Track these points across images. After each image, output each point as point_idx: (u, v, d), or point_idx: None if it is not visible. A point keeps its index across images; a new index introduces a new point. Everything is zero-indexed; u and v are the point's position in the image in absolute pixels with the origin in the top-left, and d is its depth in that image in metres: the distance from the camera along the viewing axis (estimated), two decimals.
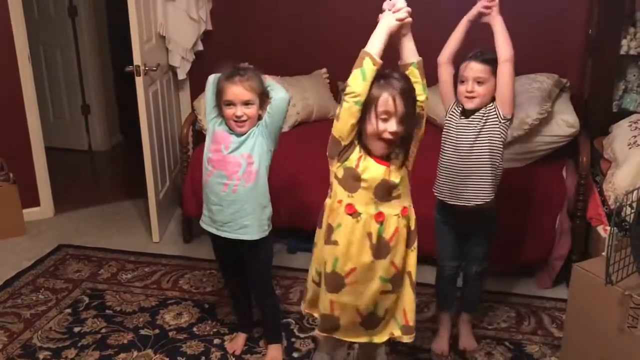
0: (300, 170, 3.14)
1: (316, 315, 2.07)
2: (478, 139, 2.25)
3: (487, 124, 2.25)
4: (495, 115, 2.24)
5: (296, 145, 3.24)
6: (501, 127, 2.25)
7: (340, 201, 1.88)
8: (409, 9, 1.82)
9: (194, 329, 2.71)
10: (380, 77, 1.80)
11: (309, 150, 3.04)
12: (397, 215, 1.88)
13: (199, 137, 3.57)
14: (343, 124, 1.81)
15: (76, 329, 2.70)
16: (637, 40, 3.18)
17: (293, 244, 3.36)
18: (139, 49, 3.18)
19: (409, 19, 1.82)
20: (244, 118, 2.19)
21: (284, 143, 3.50)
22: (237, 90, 2.17)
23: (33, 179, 3.78)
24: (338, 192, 1.90)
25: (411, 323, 2.01)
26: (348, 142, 1.84)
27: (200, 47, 3.93)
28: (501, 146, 2.27)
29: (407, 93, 1.81)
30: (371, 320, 1.99)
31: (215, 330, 2.71)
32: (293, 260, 3.27)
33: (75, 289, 3.03)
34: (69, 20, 4.77)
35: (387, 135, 1.81)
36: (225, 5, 3.95)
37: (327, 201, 1.94)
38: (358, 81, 1.77)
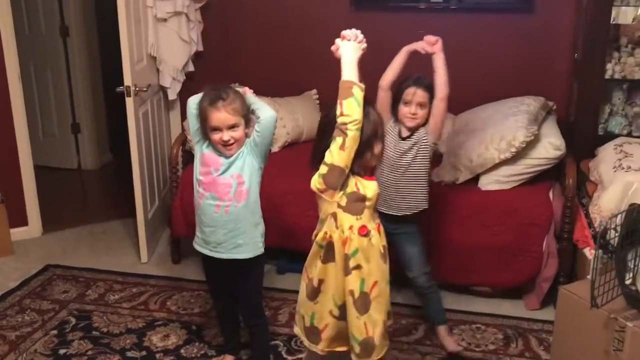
0: (290, 191, 3.15)
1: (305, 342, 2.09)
2: (414, 160, 2.53)
3: (421, 147, 2.53)
4: (427, 140, 2.53)
5: (286, 166, 3.25)
6: (431, 149, 2.56)
7: (351, 227, 1.92)
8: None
9: (182, 351, 2.69)
10: None
11: (299, 171, 3.03)
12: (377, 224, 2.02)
13: (189, 157, 3.58)
14: (349, 152, 1.85)
15: (62, 351, 2.68)
16: (621, 64, 3.24)
17: (282, 265, 3.36)
18: (130, 69, 3.19)
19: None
20: (232, 142, 2.20)
21: (274, 164, 3.52)
22: (222, 116, 2.17)
23: (21, 198, 3.76)
24: (345, 220, 1.92)
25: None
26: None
27: (191, 68, 3.95)
28: (429, 164, 2.59)
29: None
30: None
31: (202, 352, 2.69)
32: (282, 281, 3.27)
33: (61, 310, 3.00)
34: (60, 40, 4.79)
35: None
36: (216, 27, 3.98)
37: (334, 236, 1.94)
38: (356, 109, 1.83)
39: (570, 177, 2.92)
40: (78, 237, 3.86)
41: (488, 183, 3.08)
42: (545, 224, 2.93)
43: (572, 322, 2.21)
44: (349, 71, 1.90)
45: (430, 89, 2.50)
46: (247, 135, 2.26)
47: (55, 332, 2.82)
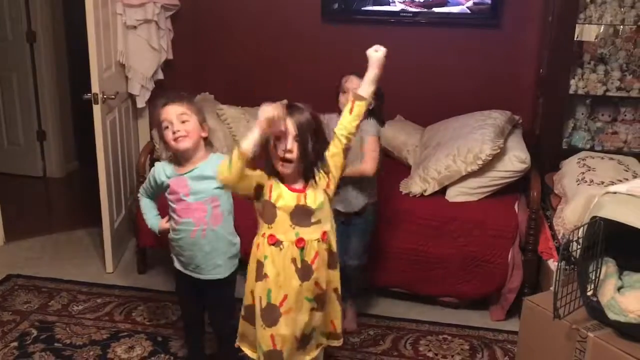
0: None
1: (249, 352, 2.12)
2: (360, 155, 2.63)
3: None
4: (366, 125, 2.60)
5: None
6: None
7: (264, 234, 1.96)
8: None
9: None
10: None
11: None
12: (317, 240, 1.96)
13: None
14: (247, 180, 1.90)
15: None
16: (585, 80, 3.32)
17: None
18: (98, 77, 3.15)
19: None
20: (182, 133, 2.19)
21: None
22: (171, 108, 2.21)
23: None
24: (262, 226, 1.98)
25: (338, 330, 2.14)
26: (252, 190, 1.93)
27: (161, 76, 3.92)
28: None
29: (304, 120, 1.90)
30: (304, 340, 2.05)
31: None
32: None
33: (23, 321, 2.93)
34: (27, 46, 4.70)
35: (281, 154, 1.89)
36: (186, 35, 3.97)
37: (254, 239, 2.00)
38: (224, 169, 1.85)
39: (535, 189, 2.97)
40: (42, 246, 3.78)
41: (455, 195, 3.12)
42: (510, 235, 2.98)
43: (536, 333, 2.24)
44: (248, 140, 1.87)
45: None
46: (205, 140, 2.26)
47: (15, 344, 2.75)
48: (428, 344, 2.84)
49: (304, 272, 1.95)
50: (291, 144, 1.88)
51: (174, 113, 2.20)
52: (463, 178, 3.08)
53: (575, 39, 3.28)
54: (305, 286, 1.97)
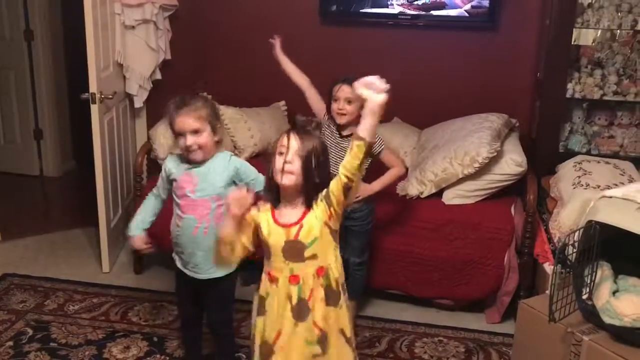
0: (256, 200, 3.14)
1: None
2: None
3: None
4: None
5: None
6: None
7: (266, 271, 1.92)
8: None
9: None
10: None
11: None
12: (312, 275, 1.87)
13: (154, 166, 3.55)
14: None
15: None
16: (581, 84, 3.33)
17: (246, 277, 3.33)
18: (96, 76, 3.15)
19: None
20: (194, 147, 2.20)
21: None
22: (184, 120, 2.18)
23: None
24: (265, 263, 1.94)
25: None
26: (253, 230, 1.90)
27: (159, 76, 3.92)
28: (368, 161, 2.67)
29: (311, 145, 1.82)
30: None
31: None
32: (246, 293, 3.24)
33: (18, 321, 2.93)
34: (24, 44, 4.70)
35: (281, 166, 1.80)
36: (184, 36, 3.97)
37: (262, 276, 1.96)
38: None
39: (531, 193, 2.98)
40: (38, 246, 3.77)
41: (452, 197, 3.13)
42: (506, 238, 2.99)
43: (531, 336, 2.25)
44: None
45: None
46: (217, 143, 2.26)
47: (10, 343, 2.74)
48: (424, 346, 2.85)
49: (300, 310, 1.87)
50: (292, 156, 1.81)
51: (187, 127, 2.18)
52: (460, 181, 3.09)
53: (572, 43, 3.30)
54: (304, 327, 1.88)
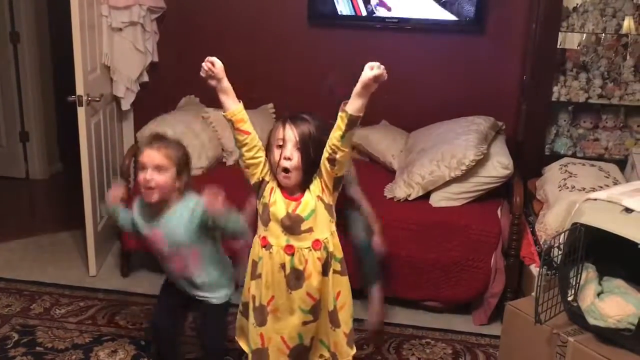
0: (246, 202, 3.14)
1: (244, 347, 2.14)
2: None
3: None
4: None
5: (241, 178, 3.22)
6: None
7: (259, 235, 1.98)
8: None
9: None
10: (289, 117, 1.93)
11: None
12: (308, 248, 1.94)
13: None
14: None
15: None
16: (567, 87, 3.37)
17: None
18: (82, 78, 3.14)
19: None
20: (152, 184, 2.09)
21: (231, 176, 3.51)
22: (151, 154, 2.10)
23: None
24: (259, 227, 2.00)
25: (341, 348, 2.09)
26: (257, 180, 1.96)
27: (146, 78, 3.90)
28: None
29: (307, 131, 1.89)
30: (298, 351, 2.04)
31: None
32: (236, 296, 3.24)
33: (4, 325, 2.90)
34: (10, 46, 4.66)
35: (283, 163, 1.89)
36: (172, 38, 3.96)
37: (254, 238, 2.03)
38: None
39: (517, 195, 3.00)
40: (24, 249, 3.74)
41: (439, 200, 3.14)
42: (493, 240, 3.00)
43: (518, 338, 2.27)
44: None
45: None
46: (178, 190, 2.16)
47: None
48: (411, 348, 2.86)
49: (294, 279, 1.95)
50: (290, 150, 1.87)
51: (151, 161, 2.10)
52: (447, 183, 3.11)
53: (558, 46, 3.33)
54: (297, 295, 1.96)
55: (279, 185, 1.95)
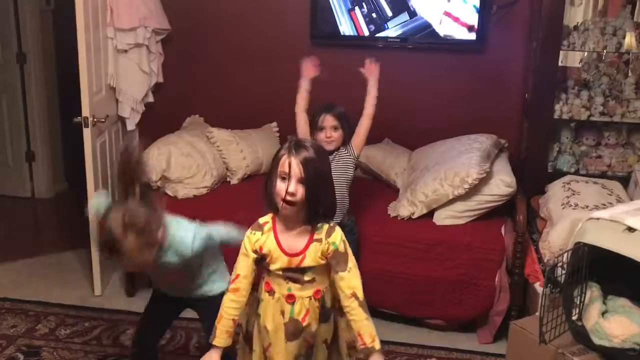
0: (250, 221, 3.14)
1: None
2: (342, 175, 2.82)
3: (345, 163, 2.86)
4: (350, 155, 2.88)
5: (245, 198, 3.26)
6: (354, 163, 2.92)
7: (264, 278, 1.97)
8: None
9: None
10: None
11: (258, 203, 3.06)
12: (309, 297, 1.93)
13: (146, 188, 3.55)
14: None
15: None
16: (569, 105, 3.38)
17: None
18: (88, 100, 3.17)
19: None
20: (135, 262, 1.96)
21: (234, 195, 3.53)
22: (115, 216, 1.88)
23: None
24: (263, 272, 1.98)
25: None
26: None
27: (151, 99, 3.94)
28: (352, 175, 2.91)
29: (312, 166, 1.81)
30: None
31: None
32: None
33: (9, 346, 2.91)
34: (17, 67, 4.72)
35: (283, 195, 1.81)
36: (176, 59, 4.00)
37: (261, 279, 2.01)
38: None
39: (520, 213, 3.01)
40: (29, 269, 3.76)
41: (443, 218, 3.15)
42: (497, 258, 3.01)
43: (523, 357, 2.26)
44: None
45: (339, 114, 2.84)
46: (160, 244, 1.98)
47: None
48: None
49: (292, 328, 1.94)
50: (295, 186, 1.80)
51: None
52: (450, 201, 3.12)
53: (559, 64, 3.35)
54: (294, 344, 1.95)
55: (275, 235, 1.90)
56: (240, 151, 3.66)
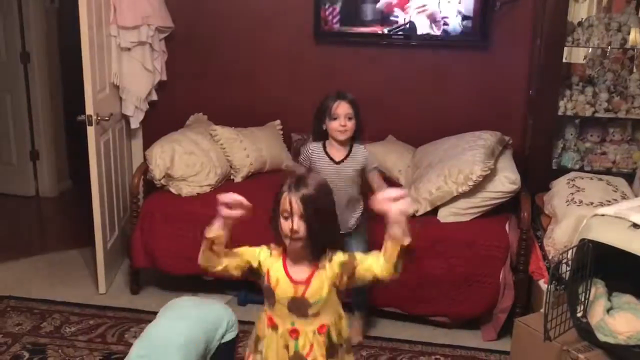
0: (252, 221, 3.14)
1: None
2: (353, 181, 2.79)
3: (357, 167, 2.78)
4: (365, 158, 2.80)
5: (249, 196, 3.23)
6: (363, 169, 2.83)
7: (266, 312, 1.93)
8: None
9: None
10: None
11: (262, 201, 3.05)
12: (313, 332, 1.88)
13: (150, 186, 3.56)
14: None
15: None
16: (573, 102, 3.37)
17: (243, 296, 3.34)
18: (92, 98, 3.18)
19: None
20: None
21: (238, 193, 3.51)
22: None
23: None
24: (266, 303, 1.94)
25: None
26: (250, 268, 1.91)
27: (155, 97, 3.94)
28: (360, 179, 2.85)
29: (312, 202, 1.80)
30: None
31: None
32: (243, 313, 3.24)
33: (15, 344, 2.92)
34: (20, 66, 4.73)
35: (288, 233, 1.81)
36: (180, 57, 4.00)
37: (261, 313, 1.97)
38: None
39: (525, 210, 3.00)
40: (34, 267, 3.77)
41: (447, 215, 3.15)
42: (501, 255, 3.00)
43: (527, 354, 2.26)
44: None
45: (353, 102, 2.72)
46: None
47: None
48: None
49: None
50: (297, 223, 1.80)
51: None
52: (454, 198, 3.11)
53: (563, 61, 3.34)
54: None
55: (284, 260, 1.88)
56: (244, 149, 3.66)
